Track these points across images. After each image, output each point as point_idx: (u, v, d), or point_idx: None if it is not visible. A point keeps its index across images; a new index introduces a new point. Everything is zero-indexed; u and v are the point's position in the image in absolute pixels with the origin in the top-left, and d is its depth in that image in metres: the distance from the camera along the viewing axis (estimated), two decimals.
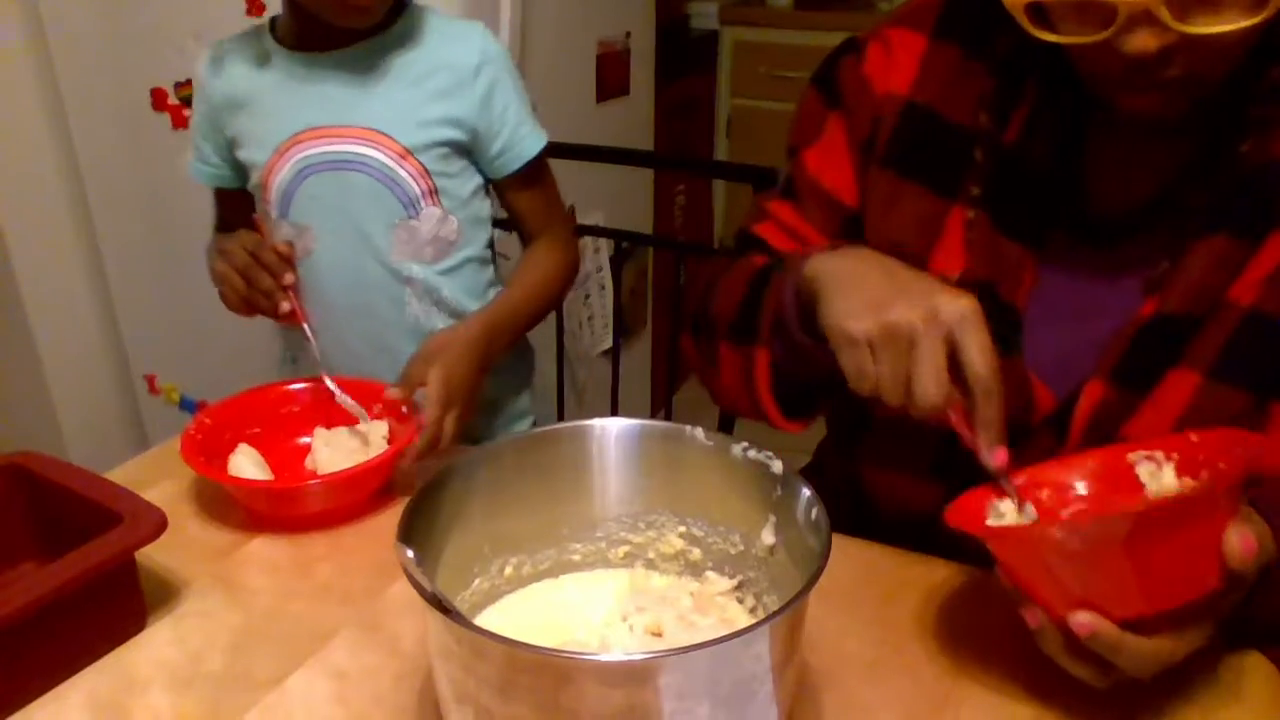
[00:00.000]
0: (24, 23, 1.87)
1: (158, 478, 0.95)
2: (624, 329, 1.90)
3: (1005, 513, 0.69)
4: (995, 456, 0.68)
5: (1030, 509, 0.69)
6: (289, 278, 1.06)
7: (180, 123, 1.83)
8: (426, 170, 1.09)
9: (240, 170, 1.15)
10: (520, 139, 1.13)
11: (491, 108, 1.10)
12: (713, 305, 0.89)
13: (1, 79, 1.88)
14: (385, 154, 1.07)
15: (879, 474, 0.90)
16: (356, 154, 1.07)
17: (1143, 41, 0.63)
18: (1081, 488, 0.71)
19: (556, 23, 1.87)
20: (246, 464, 0.93)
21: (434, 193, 1.10)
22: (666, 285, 2.32)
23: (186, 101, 1.81)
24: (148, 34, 1.79)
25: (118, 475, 0.93)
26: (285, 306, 1.06)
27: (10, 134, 1.91)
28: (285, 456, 0.99)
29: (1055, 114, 0.79)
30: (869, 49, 0.88)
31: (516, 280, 1.17)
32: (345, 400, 1.01)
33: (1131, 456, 0.70)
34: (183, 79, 1.79)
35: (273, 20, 1.13)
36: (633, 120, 2.29)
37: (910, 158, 0.85)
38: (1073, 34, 0.67)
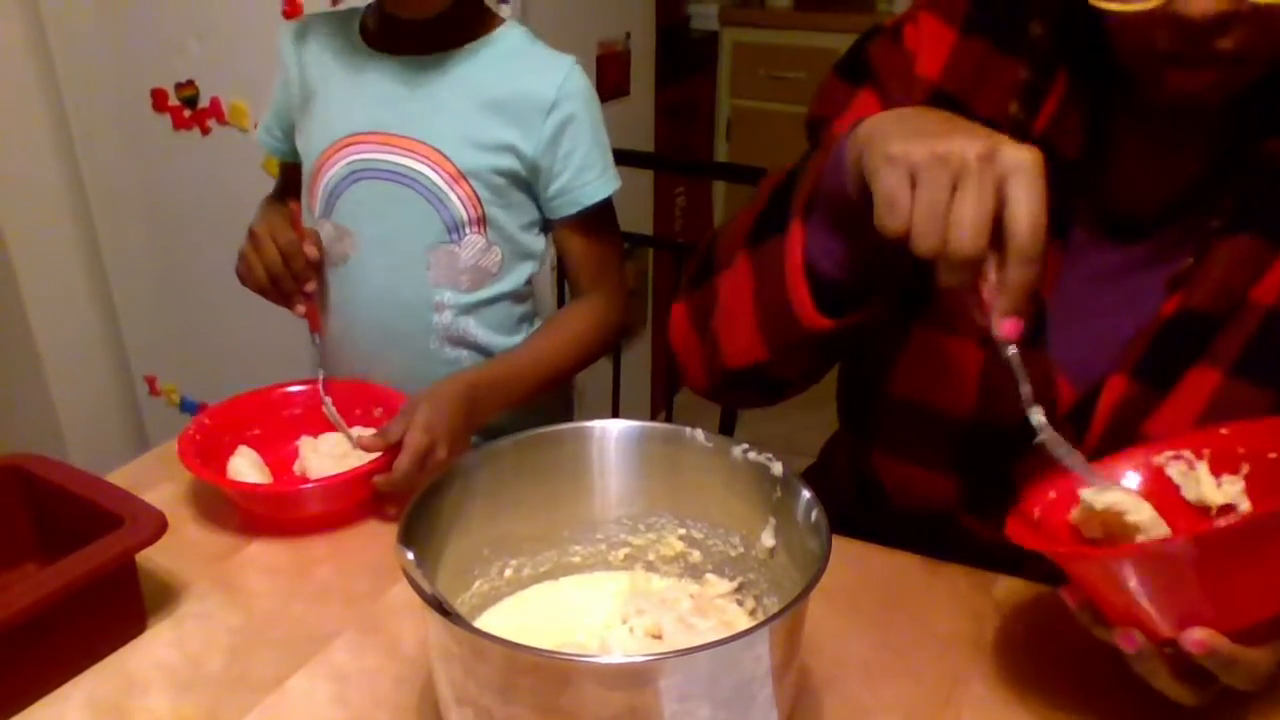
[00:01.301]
0: (24, 23, 1.87)
1: (158, 480, 0.95)
2: (624, 330, 1.90)
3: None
4: (1003, 326, 0.60)
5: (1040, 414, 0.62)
6: (311, 285, 1.04)
7: (180, 123, 1.83)
8: (478, 197, 1.05)
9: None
10: (581, 184, 1.07)
11: (558, 147, 1.05)
12: (721, 240, 0.83)
13: (1, 79, 1.88)
14: (439, 174, 1.04)
15: (892, 464, 0.89)
16: (410, 169, 1.04)
17: (1205, 2, 0.62)
18: None
19: (556, 23, 1.87)
20: (245, 466, 0.93)
21: (481, 221, 1.06)
22: (666, 286, 2.32)
23: (187, 102, 1.81)
24: (148, 34, 1.79)
25: (118, 477, 0.94)
26: (300, 310, 1.05)
27: (10, 134, 1.91)
28: (285, 458, 0.99)
29: (1085, 105, 0.78)
30: (905, 30, 0.86)
31: (533, 341, 1.11)
32: (332, 414, 1.00)
33: (1159, 459, 0.69)
34: (183, 79, 1.79)
35: (366, 9, 1.09)
36: (632, 121, 2.29)
37: None
38: (1131, 0, 0.66)
